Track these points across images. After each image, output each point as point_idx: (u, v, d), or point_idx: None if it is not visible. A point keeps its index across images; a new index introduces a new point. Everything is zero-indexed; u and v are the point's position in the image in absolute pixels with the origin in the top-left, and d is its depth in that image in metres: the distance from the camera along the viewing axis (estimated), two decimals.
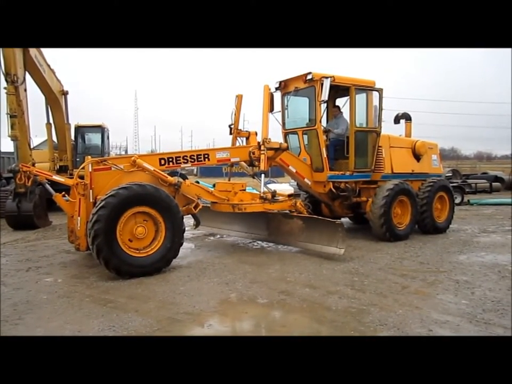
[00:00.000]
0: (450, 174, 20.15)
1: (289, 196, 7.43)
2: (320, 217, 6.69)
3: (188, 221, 7.21)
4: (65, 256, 6.61)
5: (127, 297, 4.50)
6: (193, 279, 5.26)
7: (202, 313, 4.04)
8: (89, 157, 6.08)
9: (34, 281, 5.17)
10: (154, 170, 6.10)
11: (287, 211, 7.26)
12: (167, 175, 6.26)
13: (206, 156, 6.80)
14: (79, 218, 5.55)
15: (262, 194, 6.92)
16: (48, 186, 6.48)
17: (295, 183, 20.31)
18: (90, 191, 5.67)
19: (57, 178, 6.25)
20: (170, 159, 6.48)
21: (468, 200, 15.91)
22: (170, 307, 4.19)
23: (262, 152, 6.89)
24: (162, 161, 6.40)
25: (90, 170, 5.74)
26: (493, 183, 21.07)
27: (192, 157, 6.67)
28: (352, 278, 5.29)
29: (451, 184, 10.49)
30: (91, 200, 5.64)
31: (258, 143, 7.04)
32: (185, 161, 6.61)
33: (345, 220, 10.36)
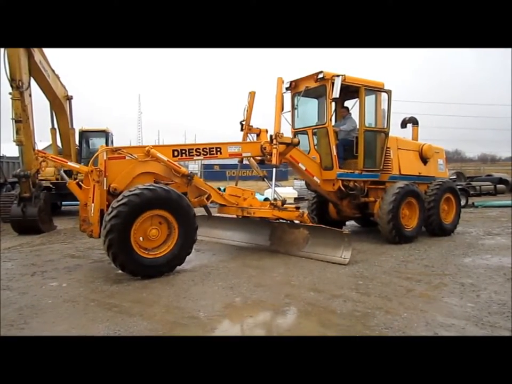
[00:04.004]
0: (454, 177, 20.12)
1: (297, 207, 7.44)
2: (326, 226, 6.69)
3: None
4: (70, 261, 6.63)
5: (132, 302, 4.51)
6: (198, 283, 5.26)
7: (207, 317, 4.04)
8: (104, 145, 6.22)
9: (39, 285, 5.19)
10: (168, 160, 6.17)
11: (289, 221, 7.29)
12: (180, 166, 6.34)
13: (218, 149, 6.87)
14: (92, 204, 5.64)
15: (272, 201, 6.97)
16: (63, 174, 6.58)
17: (299, 187, 20.43)
18: (104, 179, 5.73)
19: (72, 164, 6.40)
20: (184, 151, 6.55)
21: (473, 203, 15.88)
22: (175, 311, 4.19)
23: (274, 146, 6.94)
24: (176, 153, 6.47)
25: (105, 158, 5.81)
26: (498, 185, 21.04)
27: (205, 149, 6.74)
28: (356, 282, 5.27)
29: None
30: (105, 188, 5.73)
31: (271, 136, 7.11)
32: (198, 153, 6.69)
33: (350, 223, 10.37)
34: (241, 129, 8.02)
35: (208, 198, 6.65)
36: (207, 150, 6.75)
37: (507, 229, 9.76)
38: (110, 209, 5.30)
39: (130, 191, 5.39)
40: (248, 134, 7.97)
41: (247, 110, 7.98)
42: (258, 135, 7.95)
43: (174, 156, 6.41)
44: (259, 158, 7.55)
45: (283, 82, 7.62)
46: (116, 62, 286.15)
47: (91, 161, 5.90)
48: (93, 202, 5.66)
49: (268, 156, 7.03)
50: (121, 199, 5.29)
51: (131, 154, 6.03)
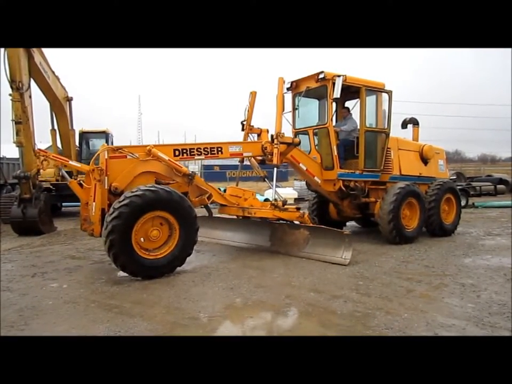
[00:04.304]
0: (454, 177, 20.12)
1: (297, 208, 7.45)
2: (327, 227, 6.69)
3: None
4: (70, 262, 6.63)
5: (132, 303, 4.51)
6: (198, 284, 5.26)
7: (207, 318, 4.04)
8: (105, 144, 6.25)
9: (39, 286, 5.19)
10: (169, 160, 6.18)
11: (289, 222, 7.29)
12: (181, 165, 6.35)
13: (220, 149, 6.88)
14: (94, 203, 5.66)
15: (273, 202, 6.97)
16: (64, 172, 6.61)
17: (299, 187, 20.42)
18: (106, 177, 5.74)
19: (73, 163, 6.43)
20: (185, 151, 6.56)
21: (473, 203, 15.87)
22: (175, 312, 4.19)
23: (275, 146, 6.95)
24: (177, 152, 6.48)
25: (106, 157, 5.83)
26: (498, 186, 21.04)
27: (206, 149, 6.75)
28: (357, 282, 5.27)
29: None
30: (106, 187, 5.74)
31: (272, 136, 7.12)
32: (199, 153, 6.70)
33: (350, 223, 10.37)
34: (242, 129, 8.04)
35: (209, 198, 6.66)
36: (208, 150, 6.76)
37: (507, 229, 9.76)
38: (111, 209, 5.30)
39: (132, 192, 5.38)
40: (249, 134, 7.99)
41: (248, 110, 8.00)
42: (259, 135, 7.97)
43: (175, 156, 6.42)
44: (260, 158, 7.57)
45: (284, 82, 7.62)
46: (115, 62, 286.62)
47: (92, 160, 5.93)
48: (94, 201, 5.69)
49: (269, 156, 7.04)
50: (123, 200, 5.29)
51: (132, 154, 6.04)
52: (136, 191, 5.38)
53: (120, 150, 6.01)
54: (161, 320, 3.97)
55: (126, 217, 5.22)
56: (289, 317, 4.15)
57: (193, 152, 6.63)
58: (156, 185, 5.69)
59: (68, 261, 6.70)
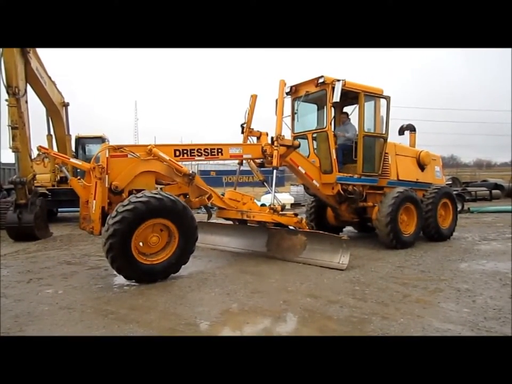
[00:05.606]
0: (450, 182, 20.22)
1: (295, 214, 7.46)
2: (324, 232, 6.71)
3: None
4: (66, 268, 6.60)
5: (128, 308, 4.49)
6: (195, 289, 5.26)
7: (203, 323, 4.03)
8: (107, 141, 6.26)
9: (35, 292, 5.16)
10: (169, 159, 6.19)
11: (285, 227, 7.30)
12: (182, 165, 6.36)
13: (220, 150, 6.90)
14: (94, 201, 5.67)
15: (272, 206, 7.00)
16: (65, 170, 6.62)
17: (295, 192, 20.45)
18: (106, 176, 5.74)
19: (74, 161, 6.44)
20: (185, 151, 6.59)
21: (468, 208, 15.96)
22: (171, 318, 4.18)
23: (275, 148, 6.98)
24: (177, 152, 6.50)
25: (107, 155, 5.84)
26: (493, 191, 21.19)
27: (206, 150, 6.78)
28: (353, 287, 5.28)
29: None
30: (106, 186, 5.75)
31: (272, 138, 7.14)
32: (199, 154, 6.72)
33: (346, 229, 10.39)
34: (242, 132, 8.07)
35: (209, 198, 6.68)
36: (209, 151, 6.78)
37: (502, 234, 9.81)
38: (114, 212, 5.28)
39: (137, 197, 5.37)
40: (249, 137, 8.02)
41: (248, 113, 8.04)
42: (258, 138, 8.00)
43: (175, 156, 6.44)
44: (259, 161, 7.60)
45: (285, 85, 7.66)
46: (112, 68, 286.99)
47: (93, 158, 5.94)
48: (94, 199, 5.69)
49: (269, 158, 7.07)
50: (127, 205, 5.27)
51: (133, 153, 6.05)
52: (142, 197, 5.36)
53: (121, 149, 6.02)
54: (157, 326, 3.96)
55: (129, 222, 5.21)
56: (286, 322, 4.15)
57: (194, 152, 6.66)
58: (161, 192, 5.68)
59: (64, 267, 6.67)
